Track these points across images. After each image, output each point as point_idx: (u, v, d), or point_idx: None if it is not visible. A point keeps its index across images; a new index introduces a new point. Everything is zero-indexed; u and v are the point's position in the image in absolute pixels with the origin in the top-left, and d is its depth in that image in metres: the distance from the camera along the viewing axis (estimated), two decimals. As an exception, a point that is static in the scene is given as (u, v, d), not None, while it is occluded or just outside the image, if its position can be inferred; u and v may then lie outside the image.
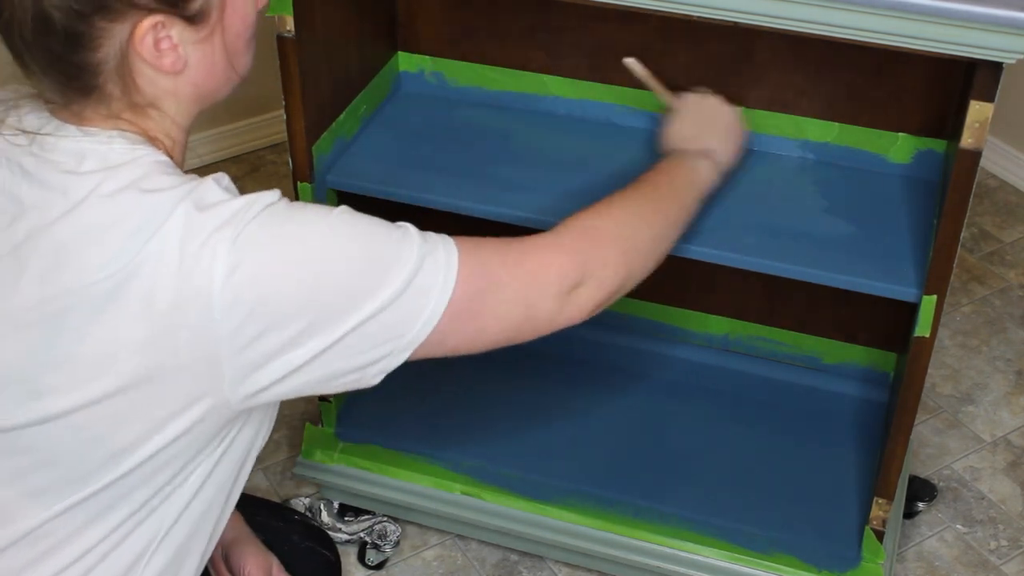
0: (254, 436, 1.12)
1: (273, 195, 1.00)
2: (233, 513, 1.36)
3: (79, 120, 1.02)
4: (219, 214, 0.96)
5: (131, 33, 0.99)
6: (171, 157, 1.05)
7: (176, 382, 0.98)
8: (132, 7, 0.98)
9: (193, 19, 1.02)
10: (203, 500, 1.10)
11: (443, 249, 1.04)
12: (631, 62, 1.45)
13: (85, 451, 1.01)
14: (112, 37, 0.99)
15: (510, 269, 1.08)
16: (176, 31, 1.01)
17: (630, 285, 1.21)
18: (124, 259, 0.95)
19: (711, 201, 1.50)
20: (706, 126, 1.43)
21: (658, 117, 1.59)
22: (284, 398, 1.04)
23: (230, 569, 1.34)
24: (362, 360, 1.02)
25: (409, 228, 1.05)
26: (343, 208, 1.03)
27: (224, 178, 1.01)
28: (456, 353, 1.08)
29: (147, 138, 1.04)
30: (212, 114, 2.60)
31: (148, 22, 0.99)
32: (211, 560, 1.34)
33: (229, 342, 0.96)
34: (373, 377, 1.05)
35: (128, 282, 0.95)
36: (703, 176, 1.37)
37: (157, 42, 1.00)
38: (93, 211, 0.97)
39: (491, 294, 1.06)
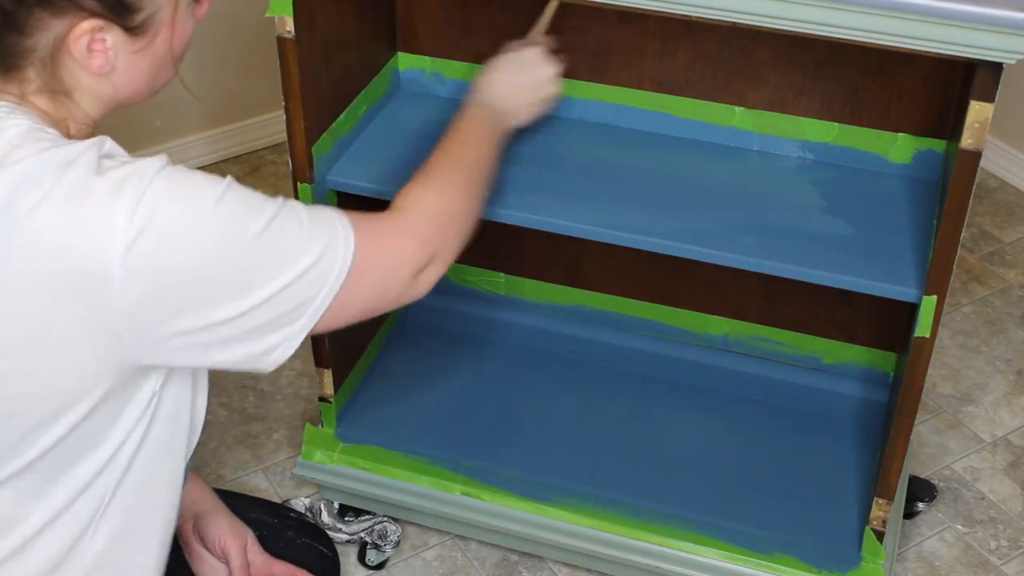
0: (190, 399, 1.12)
1: (160, 161, 0.98)
2: (205, 488, 1.35)
3: None
4: (111, 180, 0.95)
5: (68, 30, 0.99)
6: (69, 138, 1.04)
7: (76, 348, 0.97)
8: (76, 7, 0.98)
9: (133, 31, 1.02)
10: (142, 468, 1.09)
11: (341, 229, 1.06)
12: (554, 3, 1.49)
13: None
14: (48, 29, 0.99)
15: (373, 253, 1.10)
16: (112, 37, 1.01)
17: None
18: (6, 227, 0.94)
19: (711, 202, 1.50)
20: (520, 86, 1.46)
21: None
22: (187, 365, 1.05)
23: (202, 540, 1.32)
24: (260, 345, 1.04)
25: (298, 207, 1.05)
26: (230, 181, 1.02)
27: (106, 141, 1.00)
28: (316, 333, 1.09)
29: (52, 120, 1.04)
30: (212, 114, 2.60)
31: (88, 25, 0.99)
32: (180, 532, 1.32)
33: (128, 310, 0.96)
34: (271, 363, 1.06)
35: (12, 251, 0.94)
36: (500, 137, 1.42)
37: (91, 44, 1.00)
38: None
39: (359, 275, 1.08)
